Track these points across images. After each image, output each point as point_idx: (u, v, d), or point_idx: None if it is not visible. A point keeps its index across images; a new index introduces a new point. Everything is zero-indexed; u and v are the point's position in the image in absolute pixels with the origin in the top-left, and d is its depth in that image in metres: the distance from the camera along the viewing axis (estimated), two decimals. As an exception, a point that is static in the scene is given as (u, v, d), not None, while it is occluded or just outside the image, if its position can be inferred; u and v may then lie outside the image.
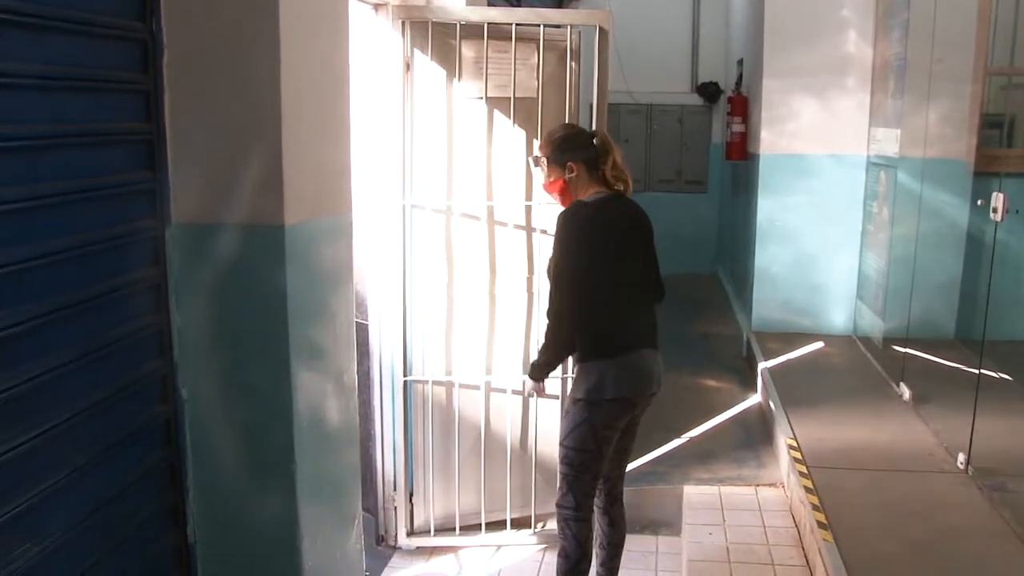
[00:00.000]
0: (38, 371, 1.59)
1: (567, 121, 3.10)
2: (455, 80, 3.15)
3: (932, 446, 3.88)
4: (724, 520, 3.62)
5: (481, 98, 3.16)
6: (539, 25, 3.13)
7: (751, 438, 4.62)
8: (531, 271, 3.31)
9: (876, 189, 5.46)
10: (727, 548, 3.37)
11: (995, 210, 3.47)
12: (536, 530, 3.42)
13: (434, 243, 3.22)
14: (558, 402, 3.30)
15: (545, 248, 3.17)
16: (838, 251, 5.77)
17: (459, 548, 3.40)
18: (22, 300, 1.56)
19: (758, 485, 3.97)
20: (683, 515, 3.67)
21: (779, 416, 4.30)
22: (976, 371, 3.63)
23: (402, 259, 3.20)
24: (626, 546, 2.87)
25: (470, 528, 3.41)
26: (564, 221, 2.58)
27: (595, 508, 2.75)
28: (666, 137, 9.23)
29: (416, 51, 3.09)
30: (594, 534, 2.75)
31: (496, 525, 3.41)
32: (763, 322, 5.93)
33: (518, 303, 3.32)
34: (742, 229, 7.01)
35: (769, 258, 5.90)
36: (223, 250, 2.00)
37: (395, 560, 3.34)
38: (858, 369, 5.15)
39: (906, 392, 4.48)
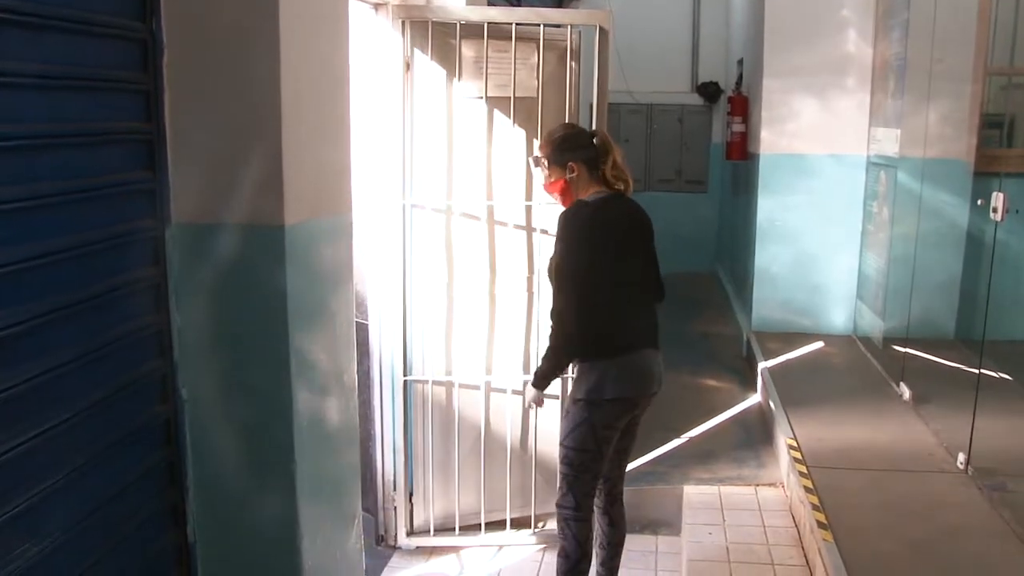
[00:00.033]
0: (38, 371, 1.59)
1: (567, 121, 3.10)
2: (455, 80, 3.15)
3: (932, 446, 3.88)
4: (724, 520, 3.62)
5: (481, 98, 3.16)
6: (539, 25, 3.13)
7: (751, 438, 4.62)
8: (531, 271, 3.31)
9: (876, 189, 5.46)
10: (727, 548, 3.37)
11: (995, 210, 3.48)
12: (536, 530, 3.42)
13: (434, 243, 3.22)
14: (558, 402, 3.30)
15: (545, 248, 3.17)
16: (838, 251, 5.77)
17: (459, 548, 3.40)
18: (22, 300, 1.56)
19: (758, 485, 3.98)
20: (683, 515, 3.68)
21: (779, 416, 4.30)
22: (976, 371, 3.63)
23: (402, 259, 3.20)
24: (626, 546, 2.87)
25: (470, 528, 3.40)
26: (565, 221, 2.58)
27: (595, 508, 2.75)
28: (666, 137, 9.23)
29: (416, 51, 3.09)
30: (594, 534, 2.75)
31: (496, 525, 3.41)
32: (763, 322, 5.93)
33: (518, 303, 3.32)
34: (742, 229, 7.01)
35: (769, 258, 5.90)
36: (223, 250, 2.00)
37: (395, 560, 3.34)
38: (858, 369, 5.15)
39: (906, 392, 4.48)
